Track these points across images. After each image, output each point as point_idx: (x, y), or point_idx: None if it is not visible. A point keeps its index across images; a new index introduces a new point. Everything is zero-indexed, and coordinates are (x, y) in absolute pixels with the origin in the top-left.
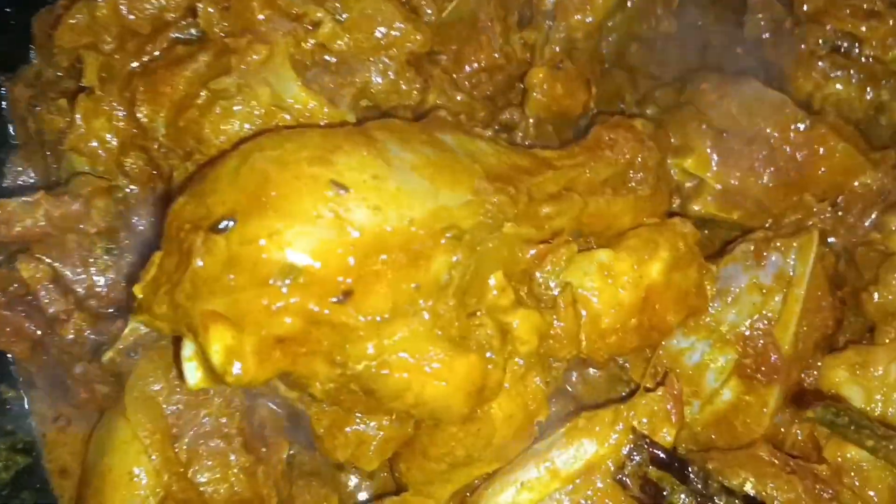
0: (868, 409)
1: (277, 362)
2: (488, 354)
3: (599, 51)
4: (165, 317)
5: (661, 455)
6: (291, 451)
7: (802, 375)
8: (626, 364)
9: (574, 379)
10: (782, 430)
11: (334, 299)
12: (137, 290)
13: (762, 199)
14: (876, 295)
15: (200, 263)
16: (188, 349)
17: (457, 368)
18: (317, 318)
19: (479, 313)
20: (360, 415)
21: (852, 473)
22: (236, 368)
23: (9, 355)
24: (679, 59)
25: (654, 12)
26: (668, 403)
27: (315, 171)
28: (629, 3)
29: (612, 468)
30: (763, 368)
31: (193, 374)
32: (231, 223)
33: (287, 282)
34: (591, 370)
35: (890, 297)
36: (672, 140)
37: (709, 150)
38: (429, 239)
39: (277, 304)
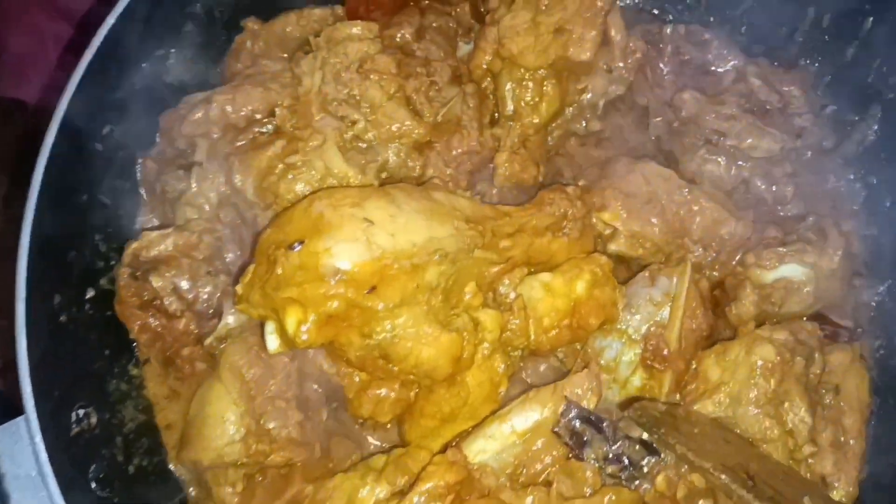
0: (724, 381)
1: (328, 332)
2: (465, 336)
3: (546, 142)
4: (257, 304)
5: (584, 413)
6: (327, 419)
7: (686, 365)
8: (564, 359)
9: (529, 372)
10: None
11: (365, 291)
12: (239, 288)
13: (657, 242)
14: (734, 308)
15: (281, 270)
16: (269, 326)
17: (442, 341)
18: (353, 302)
19: (458, 310)
20: (377, 383)
21: None
22: (303, 334)
23: (134, 343)
24: (603, 147)
25: (584, 116)
26: (590, 380)
27: (353, 212)
28: (567, 111)
29: (551, 425)
30: (658, 360)
31: (273, 342)
32: (300, 244)
33: (335, 279)
34: (541, 367)
35: (743, 309)
36: (594, 200)
37: (620, 208)
38: (425, 256)
39: (329, 292)
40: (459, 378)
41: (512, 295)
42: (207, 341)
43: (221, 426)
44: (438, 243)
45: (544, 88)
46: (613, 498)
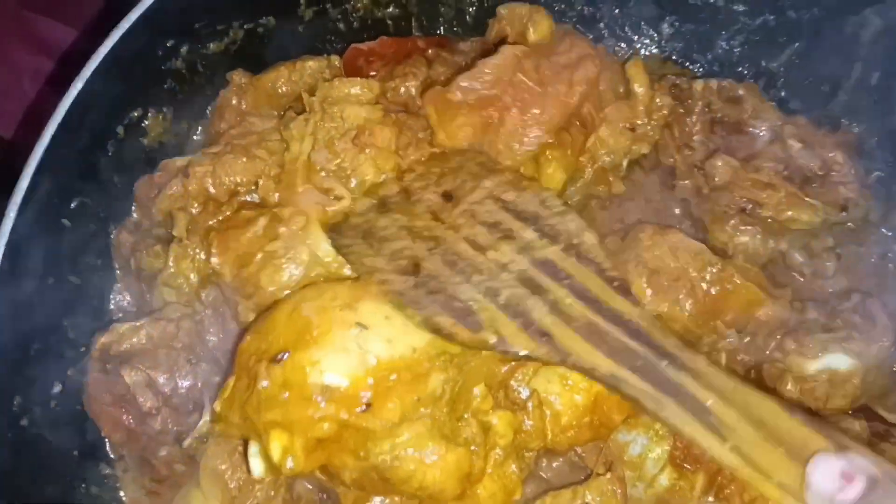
0: None
1: (318, 457)
2: (473, 448)
3: None
4: (237, 425)
5: None
6: None
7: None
8: (584, 454)
9: (544, 466)
10: None
11: (359, 409)
12: (216, 406)
13: (687, 324)
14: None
15: (264, 385)
16: (253, 448)
17: (449, 460)
18: (346, 423)
19: (466, 416)
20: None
21: None
22: (289, 463)
23: (107, 441)
24: (625, 209)
25: (606, 178)
26: (614, 485)
27: (344, 316)
28: (587, 171)
29: None
30: (689, 459)
31: (258, 466)
32: (285, 355)
33: (325, 398)
34: (556, 463)
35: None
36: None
37: (644, 285)
38: (427, 362)
39: (318, 414)
40: (469, 491)
41: (525, 392)
42: (186, 443)
43: None
44: (442, 345)
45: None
46: None
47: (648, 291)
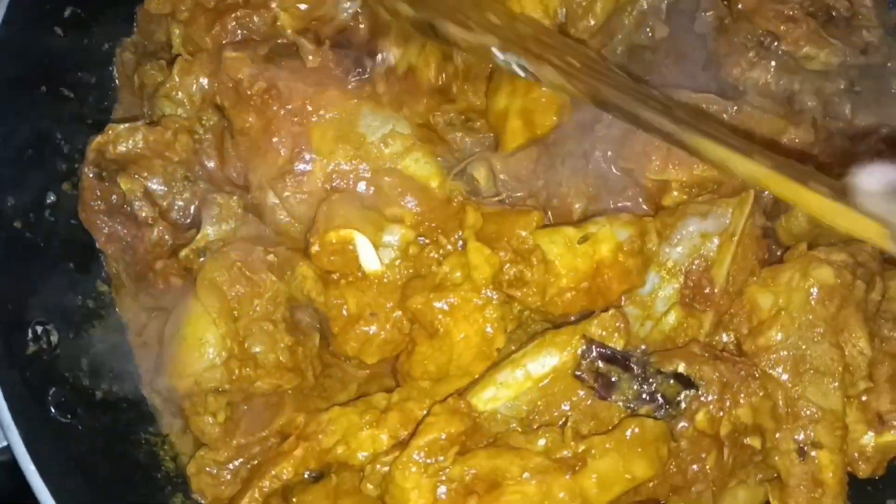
0: (774, 308)
1: None
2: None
3: (603, 53)
4: None
5: (606, 352)
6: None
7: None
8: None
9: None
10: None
11: None
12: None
13: (717, 178)
14: (783, 221)
15: None
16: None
17: None
18: None
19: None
20: (366, 320)
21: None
22: None
23: (102, 257)
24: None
25: (647, 23)
26: (617, 321)
27: None
28: (625, 20)
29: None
30: (699, 298)
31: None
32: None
33: None
34: None
35: (795, 223)
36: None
37: (663, 160)
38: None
39: None
40: (442, 330)
41: (531, 241)
42: (183, 253)
43: (199, 349)
44: None
45: None
46: (637, 431)
47: (670, 166)
